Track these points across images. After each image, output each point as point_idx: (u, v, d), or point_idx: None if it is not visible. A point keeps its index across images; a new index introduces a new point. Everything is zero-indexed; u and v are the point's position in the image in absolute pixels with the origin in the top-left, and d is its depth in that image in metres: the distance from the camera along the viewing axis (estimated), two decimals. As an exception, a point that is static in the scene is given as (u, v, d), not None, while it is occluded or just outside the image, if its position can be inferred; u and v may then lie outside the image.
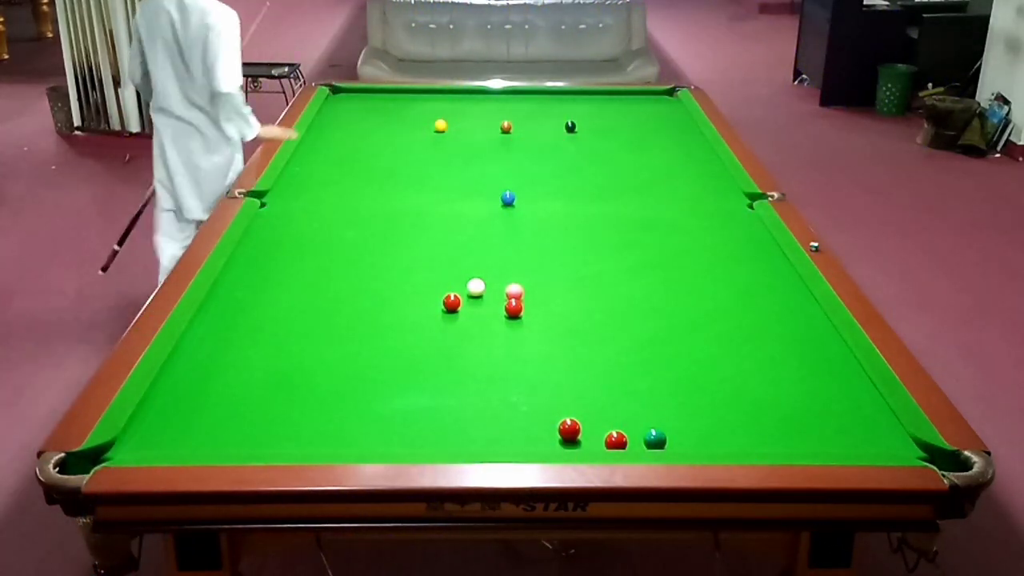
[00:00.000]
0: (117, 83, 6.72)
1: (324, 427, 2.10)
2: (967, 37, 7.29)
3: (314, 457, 1.94)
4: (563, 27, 7.37)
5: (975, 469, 1.88)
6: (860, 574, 2.04)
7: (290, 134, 3.96)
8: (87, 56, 6.66)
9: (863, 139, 7.13)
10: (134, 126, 6.80)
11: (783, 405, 2.19)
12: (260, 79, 6.61)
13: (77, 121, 6.90)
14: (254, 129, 3.85)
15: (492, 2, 7.50)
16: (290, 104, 4.48)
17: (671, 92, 4.74)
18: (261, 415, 2.14)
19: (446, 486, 1.86)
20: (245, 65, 4.06)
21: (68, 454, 1.90)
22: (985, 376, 4.02)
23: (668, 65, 8.80)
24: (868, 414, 2.14)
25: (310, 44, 9.65)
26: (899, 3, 7.93)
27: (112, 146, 6.65)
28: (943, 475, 1.86)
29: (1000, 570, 3.01)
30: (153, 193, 4.14)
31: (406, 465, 1.90)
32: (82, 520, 1.87)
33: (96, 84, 6.73)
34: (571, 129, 4.14)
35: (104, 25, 6.56)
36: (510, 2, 7.49)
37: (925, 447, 1.99)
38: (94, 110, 6.83)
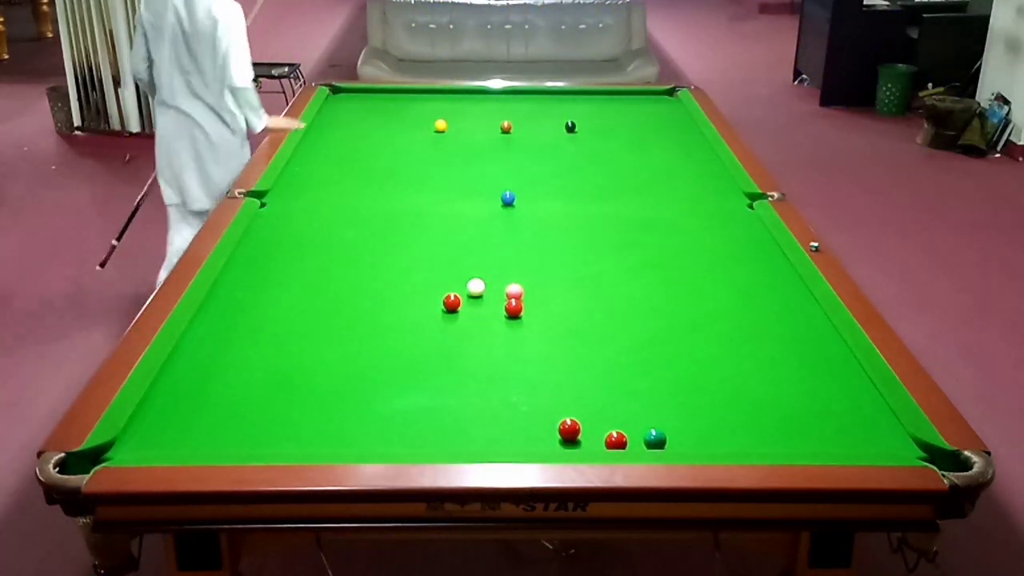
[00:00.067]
0: (117, 83, 6.72)
1: (324, 427, 2.10)
2: (967, 37, 7.29)
3: (314, 457, 1.94)
4: (563, 27, 7.38)
5: (975, 469, 1.88)
6: (860, 574, 2.04)
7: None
8: (87, 56, 6.66)
9: (863, 139, 7.13)
10: (134, 126, 6.80)
11: (783, 405, 2.19)
12: (260, 79, 6.59)
13: (77, 121, 6.90)
14: (263, 120, 3.96)
15: (492, 2, 7.50)
16: (290, 104, 4.48)
17: (671, 92, 4.74)
18: (261, 415, 2.13)
19: (446, 486, 1.86)
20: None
21: (68, 454, 1.89)
22: (985, 376, 4.02)
23: (668, 65, 8.80)
24: (868, 414, 2.14)
25: (310, 44, 9.65)
26: (899, 3, 7.93)
27: (112, 146, 6.65)
28: (943, 475, 1.86)
29: (1000, 570, 3.01)
30: (151, 186, 4.18)
31: (406, 465, 1.90)
32: (82, 520, 1.86)
33: (96, 84, 6.73)
34: (571, 129, 4.14)
35: (104, 25, 6.56)
36: (510, 2, 7.49)
37: (925, 447, 1.99)
38: (94, 110, 6.84)
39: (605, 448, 2.00)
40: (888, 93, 7.61)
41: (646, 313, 2.62)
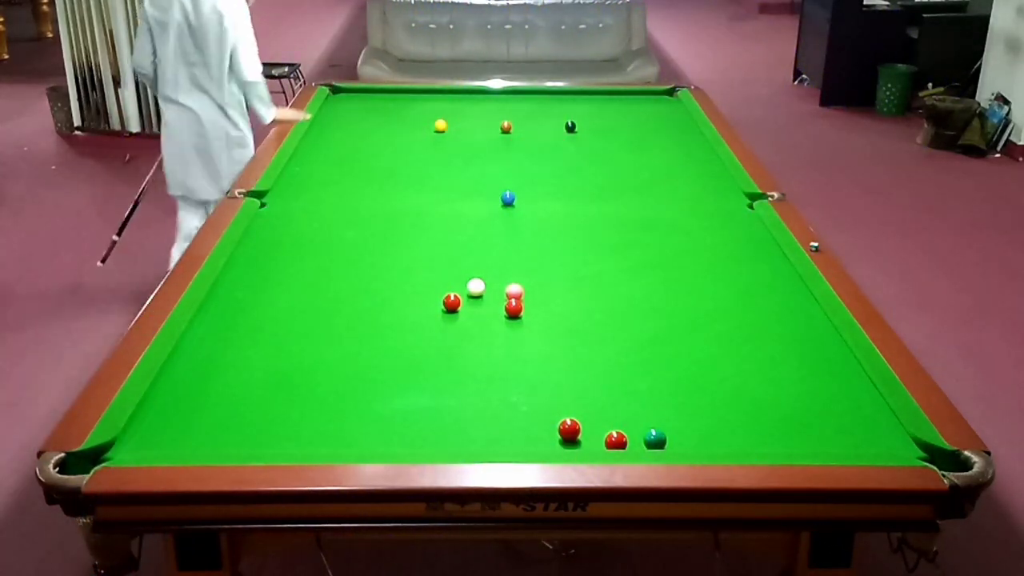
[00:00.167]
0: (117, 83, 6.72)
1: (324, 427, 2.10)
2: (967, 37, 7.29)
3: (314, 457, 1.94)
4: (563, 27, 7.38)
5: (975, 469, 1.88)
6: (860, 574, 2.04)
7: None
8: (87, 56, 6.66)
9: (863, 139, 7.13)
10: (134, 126, 6.80)
11: (783, 405, 2.19)
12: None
13: (77, 121, 6.90)
14: (272, 112, 4.08)
15: (492, 2, 7.50)
16: (290, 104, 4.48)
17: (671, 92, 4.74)
18: (261, 415, 2.13)
19: (446, 486, 1.86)
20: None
21: (68, 454, 1.89)
22: (985, 376, 4.02)
23: (668, 65, 8.80)
24: (868, 414, 2.14)
25: (310, 44, 9.65)
26: (899, 3, 7.93)
27: (112, 146, 6.65)
28: (943, 475, 1.86)
29: (1000, 570, 3.01)
30: (150, 180, 4.33)
31: (406, 465, 1.90)
32: (82, 520, 1.86)
33: (96, 84, 6.74)
34: (571, 129, 4.14)
35: (104, 25, 6.56)
36: (510, 2, 7.49)
37: (925, 447, 1.99)
38: (94, 110, 6.84)
39: (605, 448, 2.00)
40: (888, 93, 7.62)
41: (646, 313, 2.62)
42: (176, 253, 4.10)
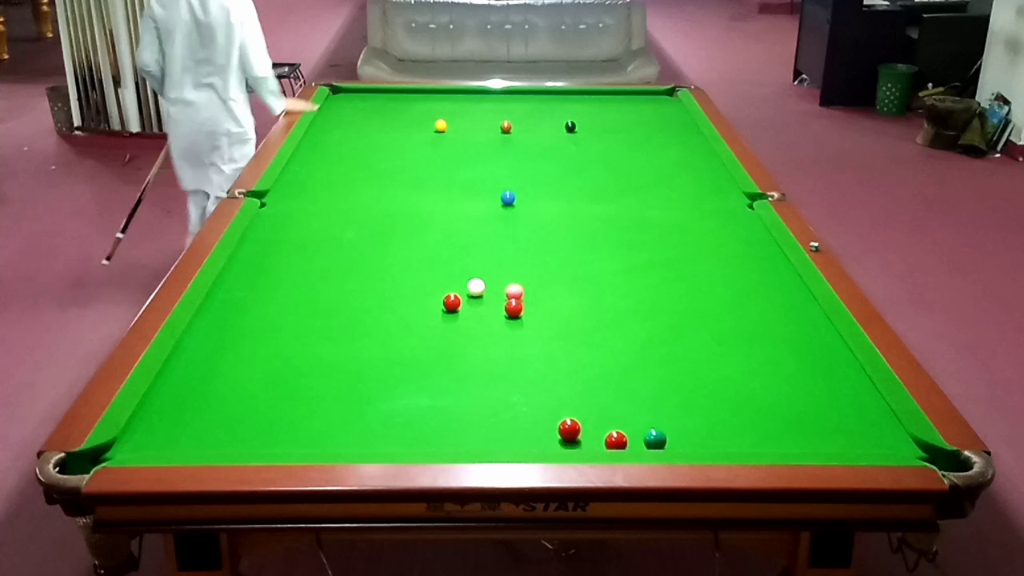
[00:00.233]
0: (117, 83, 6.72)
1: (324, 427, 2.10)
2: (967, 37, 7.29)
3: (314, 457, 1.94)
4: (563, 27, 7.37)
5: (975, 469, 1.88)
6: (860, 574, 2.04)
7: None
8: (87, 56, 6.66)
9: (863, 139, 7.13)
10: (134, 126, 6.80)
11: (783, 405, 2.19)
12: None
13: (77, 121, 6.90)
14: (282, 103, 4.21)
15: (492, 2, 7.50)
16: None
17: (671, 92, 4.74)
18: (261, 415, 2.13)
19: (446, 486, 1.86)
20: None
21: (68, 454, 1.89)
22: (985, 376, 4.02)
23: (668, 65, 8.80)
24: (868, 414, 2.14)
25: (310, 44, 9.65)
26: (899, 3, 7.93)
27: (112, 146, 6.65)
28: (943, 475, 1.86)
29: (1000, 570, 3.01)
30: (152, 177, 4.53)
31: (406, 465, 1.90)
32: (82, 520, 1.86)
33: (96, 84, 6.73)
34: (571, 129, 4.14)
35: (104, 25, 6.56)
36: (510, 2, 7.49)
37: (925, 447, 1.99)
38: (94, 110, 6.84)
39: (605, 448, 2.00)
40: (888, 93, 7.62)
41: (646, 313, 2.62)
42: (190, 240, 4.19)
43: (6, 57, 9.09)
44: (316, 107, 4.29)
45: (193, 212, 4.40)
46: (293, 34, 9.85)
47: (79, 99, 6.82)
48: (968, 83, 7.29)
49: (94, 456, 1.92)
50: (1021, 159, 6.62)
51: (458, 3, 7.41)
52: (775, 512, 1.92)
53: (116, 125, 6.83)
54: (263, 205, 3.29)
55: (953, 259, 5.16)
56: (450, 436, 2.07)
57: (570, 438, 2.03)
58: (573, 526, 1.96)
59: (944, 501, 1.85)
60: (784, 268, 2.84)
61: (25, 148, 6.69)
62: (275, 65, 6.82)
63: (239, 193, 3.33)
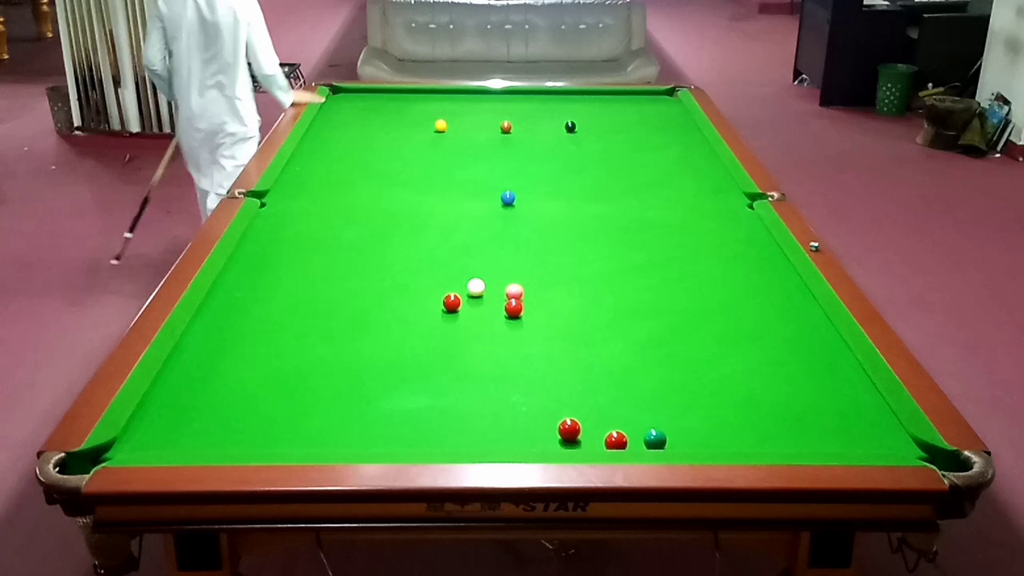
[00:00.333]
0: (117, 83, 6.72)
1: (324, 427, 2.10)
2: (967, 37, 7.29)
3: (314, 457, 1.93)
4: (563, 27, 7.37)
5: (975, 469, 1.88)
6: (860, 574, 2.04)
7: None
8: (87, 56, 6.66)
9: (863, 139, 7.13)
10: (134, 126, 6.80)
11: (783, 405, 2.19)
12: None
13: (77, 121, 6.90)
14: (291, 96, 4.33)
15: (492, 2, 7.50)
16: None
17: (671, 92, 4.74)
18: (261, 415, 2.13)
19: (446, 486, 1.86)
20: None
21: (68, 454, 1.89)
22: (985, 376, 4.02)
23: (668, 65, 8.80)
24: (868, 414, 2.14)
25: (310, 44, 9.65)
26: (899, 3, 7.93)
27: (112, 146, 6.65)
28: (943, 475, 1.86)
29: (1000, 570, 3.01)
30: (160, 176, 4.67)
31: (406, 465, 1.89)
32: (82, 520, 1.86)
33: (96, 84, 6.73)
34: (571, 129, 4.14)
35: (104, 25, 6.56)
36: (510, 2, 7.48)
37: (925, 447, 1.99)
38: (94, 110, 6.83)
39: (605, 448, 2.00)
40: (888, 93, 7.61)
41: (646, 313, 2.62)
42: None
43: (6, 57, 9.09)
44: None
45: (204, 202, 4.51)
46: (293, 34, 9.85)
47: (79, 99, 6.82)
48: (968, 83, 7.29)
49: (94, 456, 1.92)
50: (1021, 159, 6.62)
51: (458, 3, 7.41)
52: (775, 512, 1.92)
53: (116, 125, 6.82)
54: (263, 205, 3.29)
55: (953, 259, 5.16)
56: (450, 436, 2.07)
57: (570, 438, 2.03)
58: (573, 526, 1.96)
59: (944, 501, 1.84)
60: (784, 268, 2.84)
61: (25, 148, 6.69)
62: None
63: (239, 193, 3.33)
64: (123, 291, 4.57)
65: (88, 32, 6.59)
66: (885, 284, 4.71)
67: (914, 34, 7.70)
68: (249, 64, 4.28)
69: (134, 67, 6.64)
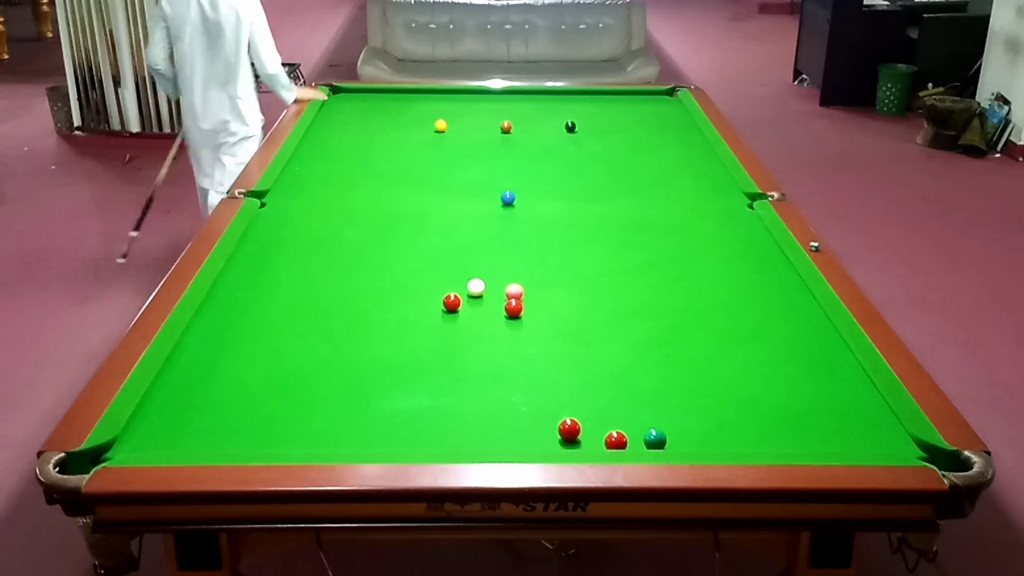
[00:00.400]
0: (117, 83, 6.72)
1: (324, 427, 2.10)
2: (967, 37, 7.29)
3: (314, 457, 1.93)
4: (563, 27, 7.37)
5: (975, 469, 1.88)
6: (860, 574, 2.04)
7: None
8: (87, 56, 6.66)
9: (863, 139, 7.13)
10: (134, 126, 6.80)
11: (783, 405, 2.19)
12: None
13: (77, 121, 6.90)
14: (294, 94, 4.39)
15: (492, 2, 7.50)
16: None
17: (671, 92, 4.74)
18: (261, 415, 2.13)
19: (446, 486, 1.86)
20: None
21: (68, 454, 1.89)
22: (985, 376, 4.02)
23: (668, 65, 8.80)
24: (868, 414, 2.14)
25: (310, 44, 9.65)
26: (899, 3, 7.93)
27: (112, 146, 6.65)
28: (943, 475, 1.86)
29: (1000, 570, 3.01)
30: (165, 174, 4.71)
31: (406, 465, 1.90)
32: (82, 520, 1.86)
33: (96, 84, 6.73)
34: (571, 129, 4.14)
35: (104, 25, 6.56)
36: (510, 2, 7.48)
37: (925, 447, 1.99)
38: (94, 110, 6.83)
39: (605, 448, 2.00)
40: (888, 93, 7.61)
41: (646, 313, 2.62)
42: None
43: (6, 57, 9.08)
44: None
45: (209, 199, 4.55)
46: (293, 34, 9.85)
47: (79, 99, 6.81)
48: (968, 83, 7.29)
49: (94, 456, 1.92)
50: (1021, 159, 6.62)
51: (458, 3, 7.40)
52: (775, 512, 1.92)
53: (116, 125, 6.82)
54: (263, 205, 3.29)
55: (953, 259, 5.16)
56: (450, 436, 2.07)
57: (570, 438, 2.03)
58: (573, 526, 1.96)
59: (944, 501, 1.85)
60: (784, 268, 2.84)
61: (25, 148, 6.69)
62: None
63: (239, 193, 3.33)
64: (123, 291, 4.57)
65: (88, 32, 6.59)
66: (885, 284, 4.70)
67: (914, 34, 7.69)
68: (252, 63, 4.32)
69: (134, 67, 6.64)
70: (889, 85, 7.59)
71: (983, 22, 7.06)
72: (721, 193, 3.46)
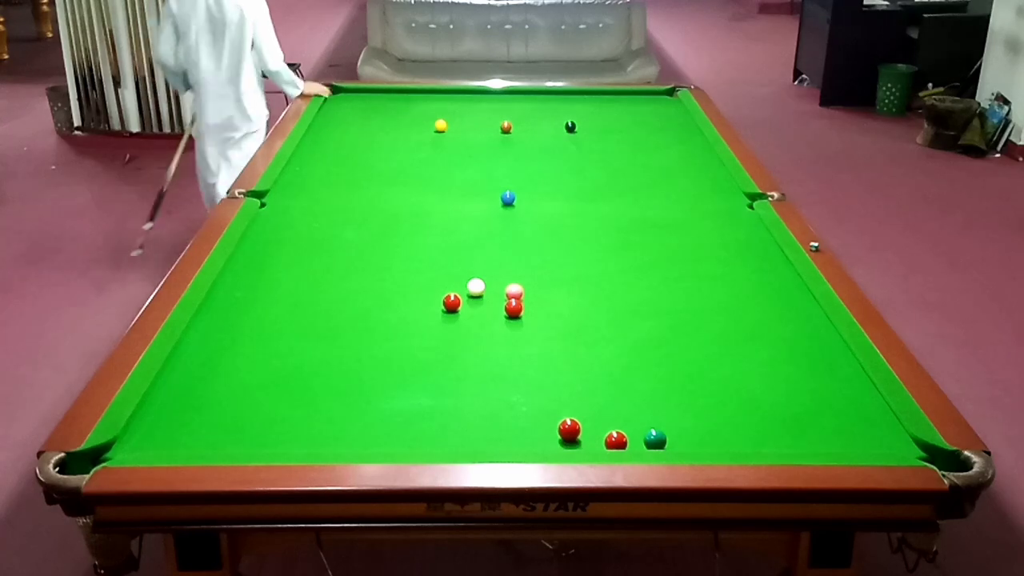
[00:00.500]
0: (117, 83, 6.72)
1: (324, 427, 2.10)
2: (967, 37, 7.29)
3: (314, 457, 1.93)
4: (563, 27, 7.37)
5: (975, 469, 1.88)
6: (860, 574, 2.04)
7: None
8: (87, 56, 6.66)
9: (863, 139, 7.13)
10: (134, 126, 6.80)
11: (783, 405, 2.19)
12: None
13: (77, 121, 6.90)
14: (300, 88, 4.50)
15: (492, 2, 7.50)
16: (290, 104, 4.49)
17: (671, 92, 4.74)
18: (261, 415, 2.13)
19: (446, 486, 1.86)
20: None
21: (68, 454, 1.89)
22: (985, 376, 4.02)
23: (668, 65, 8.80)
24: (868, 414, 2.14)
25: (310, 44, 9.65)
26: (899, 3, 7.93)
27: (112, 146, 6.65)
28: (943, 475, 1.86)
29: (1000, 570, 3.01)
30: (174, 168, 4.82)
31: (406, 465, 1.90)
32: (82, 520, 1.86)
33: (96, 84, 6.73)
34: (571, 129, 4.14)
35: (104, 25, 6.56)
36: (510, 2, 7.48)
37: (925, 447, 1.99)
38: (94, 110, 6.83)
39: (605, 448, 2.00)
40: (888, 93, 7.61)
41: (646, 313, 2.62)
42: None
43: (6, 57, 9.08)
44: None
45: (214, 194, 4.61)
46: (293, 34, 9.83)
47: (79, 99, 6.81)
48: (968, 83, 7.29)
49: (94, 456, 1.92)
50: (1021, 159, 6.62)
51: (458, 3, 7.40)
52: (775, 512, 1.92)
53: (116, 125, 6.82)
54: (263, 205, 3.29)
55: (953, 259, 5.16)
56: (450, 436, 2.07)
57: (570, 438, 2.03)
58: (573, 526, 1.96)
59: (944, 501, 1.85)
60: (784, 268, 2.84)
61: (25, 148, 6.69)
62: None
63: (239, 193, 3.33)
64: (123, 291, 4.57)
65: (88, 32, 6.59)
66: (885, 284, 4.70)
67: (914, 34, 7.69)
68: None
69: (134, 67, 6.63)
70: (889, 85, 7.59)
71: (983, 22, 7.06)
72: (721, 193, 3.46)
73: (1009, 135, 6.69)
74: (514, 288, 2.60)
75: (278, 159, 3.68)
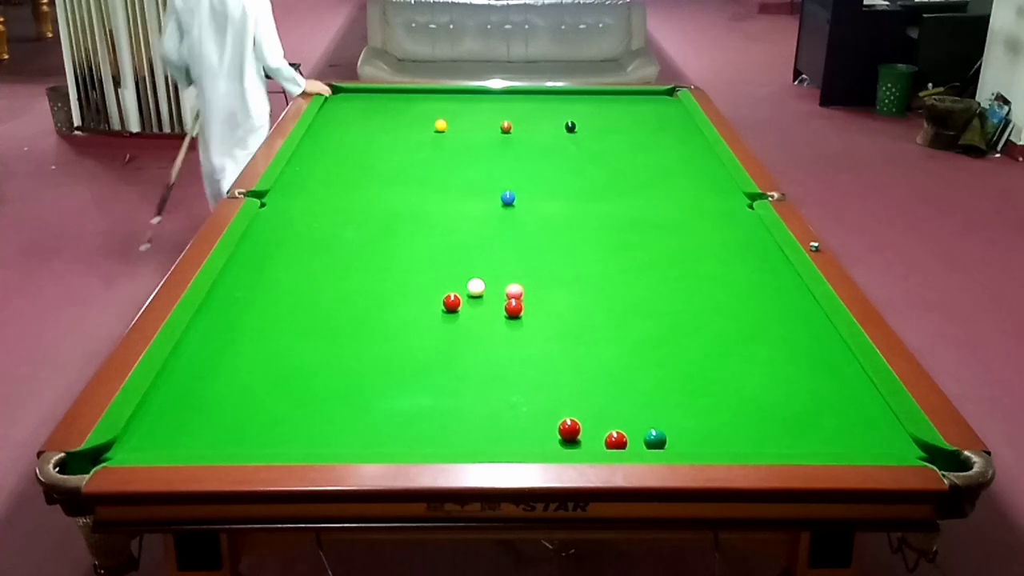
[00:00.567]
0: (117, 83, 6.72)
1: (324, 427, 2.10)
2: (967, 37, 7.29)
3: (314, 457, 1.93)
4: (563, 27, 7.37)
5: (975, 469, 1.88)
6: (860, 574, 2.04)
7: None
8: (87, 56, 6.66)
9: (863, 139, 7.13)
10: (134, 126, 6.80)
11: (783, 405, 2.19)
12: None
13: (77, 121, 6.90)
14: (301, 86, 4.53)
15: (492, 2, 7.50)
16: (290, 103, 4.49)
17: (671, 92, 4.74)
18: (261, 415, 2.13)
19: (446, 486, 1.86)
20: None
21: (68, 454, 1.89)
22: (985, 376, 4.02)
23: (668, 65, 8.80)
24: (868, 414, 2.14)
25: (310, 44, 9.65)
26: (899, 3, 7.93)
27: (112, 146, 6.65)
28: (943, 475, 1.86)
29: (1000, 570, 3.01)
30: (180, 163, 4.87)
31: (406, 465, 1.90)
32: (82, 520, 1.86)
33: (96, 84, 6.73)
34: (571, 129, 4.14)
35: (104, 25, 6.56)
36: (510, 2, 7.48)
37: (925, 447, 1.99)
38: (94, 110, 6.83)
39: (605, 448, 2.00)
40: (888, 93, 7.61)
41: (646, 313, 2.62)
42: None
43: (6, 57, 9.08)
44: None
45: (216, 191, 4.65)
46: (293, 34, 9.79)
47: (79, 99, 6.81)
48: (968, 83, 7.29)
49: (94, 456, 1.92)
50: (1021, 159, 6.62)
51: (458, 3, 7.40)
52: (775, 512, 1.92)
53: (116, 125, 6.82)
54: (263, 205, 3.29)
55: (953, 259, 5.16)
56: (450, 436, 2.07)
57: (570, 438, 2.03)
58: (573, 526, 1.96)
59: (944, 501, 1.85)
60: (784, 268, 2.84)
61: (25, 148, 6.69)
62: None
63: (239, 193, 3.33)
64: (123, 290, 4.57)
65: (88, 32, 6.59)
66: (885, 284, 4.70)
67: (914, 34, 7.69)
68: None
69: (134, 67, 6.63)
70: (889, 85, 7.59)
71: (983, 22, 7.06)
72: (721, 193, 3.46)
73: (1009, 135, 6.69)
74: (514, 288, 2.60)
75: (278, 159, 3.68)
